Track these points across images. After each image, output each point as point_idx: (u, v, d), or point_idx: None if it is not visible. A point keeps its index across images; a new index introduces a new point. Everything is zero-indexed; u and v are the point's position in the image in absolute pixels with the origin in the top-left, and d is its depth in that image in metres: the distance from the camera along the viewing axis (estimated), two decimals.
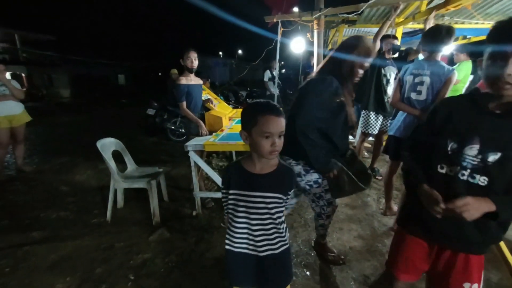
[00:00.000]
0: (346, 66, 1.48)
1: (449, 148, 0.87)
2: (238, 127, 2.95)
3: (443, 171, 0.89)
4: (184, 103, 2.66)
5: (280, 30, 3.87)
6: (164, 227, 2.31)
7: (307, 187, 1.65)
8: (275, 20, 3.61)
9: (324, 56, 4.50)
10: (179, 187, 3.15)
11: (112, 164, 2.36)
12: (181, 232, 2.26)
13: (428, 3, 3.40)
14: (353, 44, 1.46)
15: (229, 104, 5.21)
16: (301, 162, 1.59)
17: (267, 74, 6.65)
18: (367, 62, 1.50)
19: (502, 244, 1.74)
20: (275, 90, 5.27)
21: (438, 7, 2.91)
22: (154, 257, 1.95)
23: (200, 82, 2.88)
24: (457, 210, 0.77)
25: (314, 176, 1.60)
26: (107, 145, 2.46)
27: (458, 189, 0.85)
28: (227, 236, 1.09)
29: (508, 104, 0.82)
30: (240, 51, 34.63)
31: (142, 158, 3.80)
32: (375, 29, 5.10)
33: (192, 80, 2.74)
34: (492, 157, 0.81)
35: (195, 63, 2.69)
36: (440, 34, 1.80)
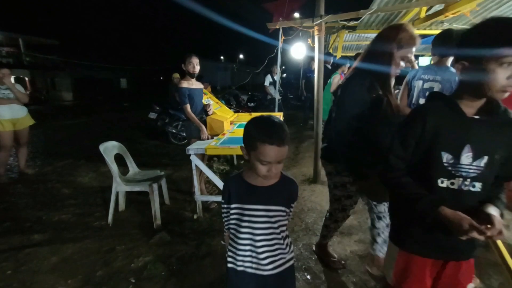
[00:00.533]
0: (384, 58, 1.34)
1: (444, 160, 0.86)
2: (240, 131, 2.98)
3: (444, 185, 0.87)
4: (188, 106, 2.69)
5: (281, 38, 3.93)
6: (165, 230, 2.32)
7: (332, 185, 1.63)
8: (277, 27, 3.66)
9: (325, 62, 4.51)
10: (181, 190, 3.16)
11: (114, 167, 2.38)
12: (182, 236, 2.26)
13: (427, 10, 3.45)
14: (393, 34, 1.31)
15: (230, 108, 5.25)
16: (335, 162, 1.56)
17: (268, 79, 6.71)
18: (410, 52, 1.34)
19: (503, 248, 1.74)
20: (276, 95, 5.31)
21: (437, 13, 2.96)
22: (155, 261, 1.95)
23: (201, 86, 2.92)
24: (498, 230, 0.75)
25: (343, 179, 1.57)
26: (109, 148, 2.48)
27: (465, 201, 0.85)
28: (229, 253, 1.04)
29: (482, 108, 0.84)
30: (241, 56, 34.88)
31: (144, 161, 3.83)
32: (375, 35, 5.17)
33: (194, 84, 2.78)
34: (483, 162, 0.83)
35: (197, 68, 2.73)
36: (451, 38, 1.76)
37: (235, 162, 4.10)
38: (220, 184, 2.51)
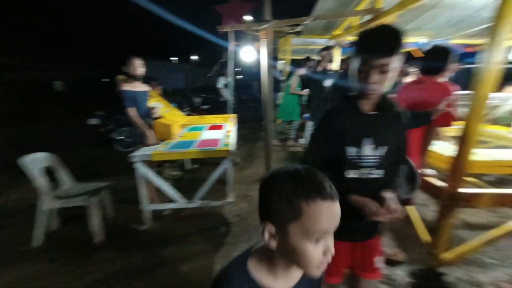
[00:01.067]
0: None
1: (350, 154, 0.97)
2: (191, 134, 2.93)
3: (352, 175, 0.98)
4: (133, 110, 2.53)
5: (233, 41, 3.97)
6: (109, 246, 2.13)
7: None
8: (226, 30, 3.68)
9: (273, 67, 4.67)
10: (128, 201, 2.93)
11: (41, 182, 2.10)
12: (129, 249, 2.11)
13: (360, 19, 3.86)
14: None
15: (183, 111, 5.09)
16: None
17: (221, 81, 6.68)
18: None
19: (419, 223, 2.04)
20: (229, 96, 5.32)
21: (368, 22, 3.33)
22: (98, 280, 1.78)
23: (147, 89, 2.77)
24: (392, 211, 0.87)
25: None
26: (36, 161, 2.18)
27: (371, 187, 0.98)
28: None
29: (375, 105, 0.97)
30: (195, 57, 33.96)
31: (86, 173, 3.46)
32: (319, 40, 5.57)
33: (138, 86, 2.62)
34: (382, 151, 0.97)
35: (140, 70, 2.59)
36: None
37: (190, 166, 3.98)
38: (171, 192, 2.41)
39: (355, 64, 0.93)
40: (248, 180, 3.47)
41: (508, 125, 3.14)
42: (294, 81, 4.90)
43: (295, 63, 5.41)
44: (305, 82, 4.60)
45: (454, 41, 4.23)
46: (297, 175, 0.57)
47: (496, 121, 3.31)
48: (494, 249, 2.04)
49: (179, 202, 2.42)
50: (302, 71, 4.83)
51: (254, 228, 2.38)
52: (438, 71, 1.71)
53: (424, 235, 1.91)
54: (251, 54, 4.39)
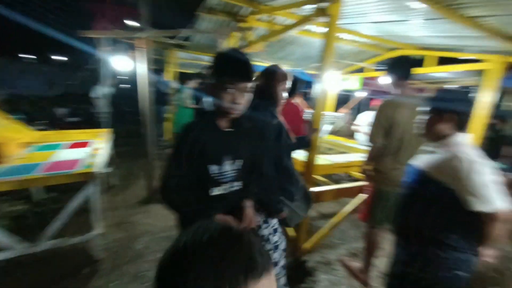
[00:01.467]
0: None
1: (211, 172, 1.00)
2: (38, 155, 2.29)
3: (216, 193, 1.01)
4: None
5: (106, 47, 3.47)
6: None
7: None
8: (91, 36, 3.19)
9: (157, 79, 4.44)
10: None
11: None
12: None
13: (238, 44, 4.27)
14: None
15: (33, 124, 3.96)
16: None
17: (96, 89, 5.69)
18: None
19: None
20: (105, 108, 4.57)
21: (245, 46, 3.73)
22: None
23: None
24: (248, 220, 0.95)
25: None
26: None
27: (234, 200, 1.03)
28: None
29: (231, 121, 1.05)
30: (61, 57, 27.40)
31: None
32: (204, 57, 5.76)
33: None
34: (239, 165, 1.06)
35: None
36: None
37: (43, 196, 3.06)
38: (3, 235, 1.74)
39: (216, 85, 0.96)
40: (126, 204, 3.02)
41: (346, 136, 4.26)
42: (187, 95, 4.82)
43: (185, 77, 5.35)
44: (195, 97, 4.61)
45: (308, 71, 5.39)
46: (216, 248, 0.38)
47: (337, 133, 4.42)
48: (338, 231, 2.65)
49: (13, 248, 1.78)
50: (191, 84, 4.83)
51: (129, 261, 2.06)
52: (290, 94, 2.10)
53: (291, 231, 2.23)
54: (126, 63, 3.99)
